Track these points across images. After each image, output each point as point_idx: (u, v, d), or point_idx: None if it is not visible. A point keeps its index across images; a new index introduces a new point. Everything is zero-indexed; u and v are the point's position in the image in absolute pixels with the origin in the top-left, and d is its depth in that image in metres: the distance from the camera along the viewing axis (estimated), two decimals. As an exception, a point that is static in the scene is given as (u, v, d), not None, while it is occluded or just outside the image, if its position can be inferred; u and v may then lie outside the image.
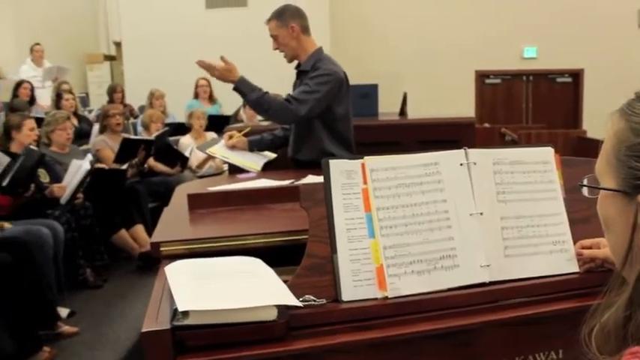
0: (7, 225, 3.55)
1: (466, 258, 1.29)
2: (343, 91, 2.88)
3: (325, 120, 2.87)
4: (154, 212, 5.07)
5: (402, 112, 4.19)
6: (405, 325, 1.22)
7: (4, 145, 4.11)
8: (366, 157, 1.32)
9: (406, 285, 1.25)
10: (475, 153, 1.38)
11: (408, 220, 1.29)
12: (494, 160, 1.39)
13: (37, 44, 7.81)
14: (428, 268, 1.27)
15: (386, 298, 1.25)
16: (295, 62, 2.99)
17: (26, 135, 4.13)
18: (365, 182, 1.30)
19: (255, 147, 3.02)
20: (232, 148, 2.97)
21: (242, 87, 2.79)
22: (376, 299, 1.25)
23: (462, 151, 1.38)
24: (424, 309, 1.25)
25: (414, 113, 4.28)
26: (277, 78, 8.15)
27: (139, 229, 4.62)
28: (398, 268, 1.25)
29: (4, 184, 3.71)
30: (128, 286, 4.21)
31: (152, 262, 4.43)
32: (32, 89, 6.92)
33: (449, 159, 1.37)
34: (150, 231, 4.72)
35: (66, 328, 3.44)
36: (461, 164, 1.37)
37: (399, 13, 9.54)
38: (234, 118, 6.57)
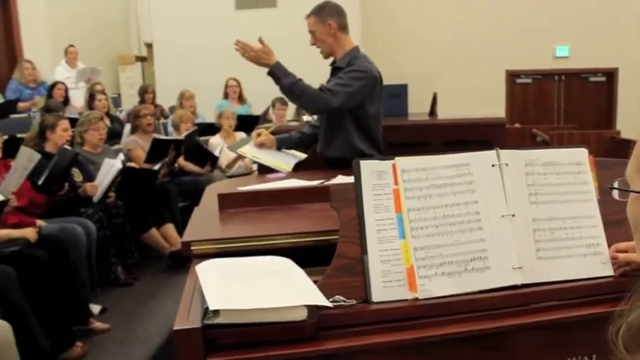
0: (42, 223, 3.62)
1: (497, 260, 1.28)
2: (377, 89, 2.89)
3: (357, 117, 2.88)
4: (184, 211, 5.12)
5: (432, 112, 4.16)
6: (435, 327, 1.21)
7: (39, 145, 4.19)
8: (397, 158, 1.31)
9: (437, 286, 1.24)
10: (507, 154, 1.37)
11: (438, 221, 1.28)
12: (526, 161, 1.38)
13: (71, 46, 7.95)
14: (459, 269, 1.26)
15: (416, 299, 1.24)
16: (330, 59, 3.00)
17: (60, 135, 4.21)
18: (396, 183, 1.30)
19: (283, 145, 3.04)
20: (261, 146, 2.98)
21: (277, 71, 2.81)
22: (406, 300, 1.24)
23: (493, 152, 1.37)
24: (454, 311, 1.24)
25: (444, 113, 4.24)
26: (306, 78, 8.19)
27: (170, 228, 4.67)
28: (428, 269, 1.25)
29: (39, 182, 3.79)
30: (158, 284, 4.26)
31: (182, 260, 4.48)
32: (66, 90, 7.06)
33: (480, 160, 1.35)
34: (180, 230, 4.77)
35: (98, 325, 3.49)
36: (493, 165, 1.35)
37: (430, 12, 9.48)
38: (264, 118, 6.61)
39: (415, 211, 1.28)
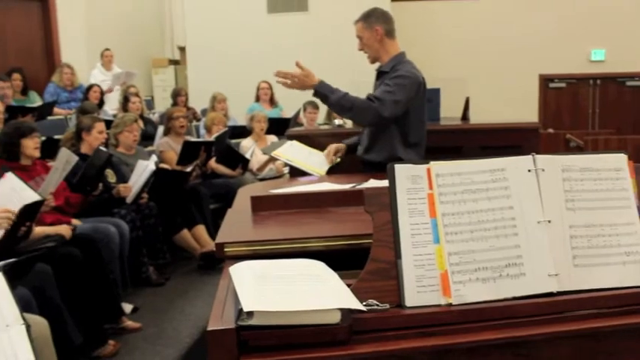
0: (77, 222, 3.69)
1: (533, 266, 1.27)
2: (420, 94, 2.92)
3: (400, 122, 2.90)
4: (215, 213, 5.17)
5: (464, 116, 4.14)
6: (468, 333, 1.20)
7: (75, 146, 4.27)
8: (431, 162, 1.31)
9: (471, 292, 1.23)
10: (543, 159, 1.35)
11: (473, 226, 1.27)
12: (563, 167, 1.36)
13: (107, 50, 8.10)
14: (493, 275, 1.25)
15: (450, 304, 1.23)
16: (376, 64, 3.07)
17: (95, 137, 4.28)
18: (430, 187, 1.29)
19: (352, 149, 3.11)
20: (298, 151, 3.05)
21: (323, 89, 2.84)
22: (440, 306, 1.24)
23: (529, 157, 1.35)
24: (488, 317, 1.23)
25: (476, 118, 4.22)
26: (338, 82, 8.18)
27: (201, 230, 4.71)
28: (463, 275, 1.24)
29: (74, 181, 3.87)
30: (189, 284, 4.30)
31: (212, 262, 4.53)
32: (102, 92, 7.20)
33: (516, 165, 1.34)
34: (211, 232, 4.81)
35: (129, 323, 3.53)
36: (529, 170, 1.34)
37: (462, 16, 9.42)
38: (294, 121, 6.63)
39: (450, 215, 1.27)
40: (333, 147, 3.09)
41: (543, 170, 1.34)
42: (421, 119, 2.97)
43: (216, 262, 4.52)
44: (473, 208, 1.29)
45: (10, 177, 2.99)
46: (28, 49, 8.51)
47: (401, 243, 1.26)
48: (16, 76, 7.00)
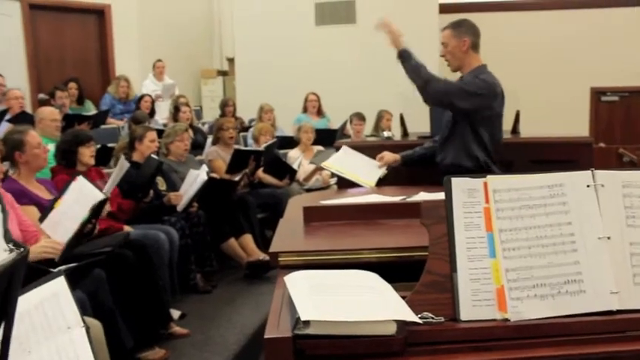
0: (129, 229, 3.78)
1: (593, 283, 1.25)
2: (498, 102, 2.99)
3: (478, 131, 2.97)
4: (262, 223, 5.22)
5: (515, 130, 4.08)
6: (525, 349, 1.19)
7: (128, 155, 4.38)
8: (488, 177, 1.30)
9: (529, 309, 1.22)
10: (603, 174, 1.33)
11: (531, 242, 1.26)
12: (623, 183, 1.34)
13: (159, 61, 8.31)
14: (552, 292, 1.23)
15: (506, 320, 1.22)
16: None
17: (147, 146, 4.38)
18: (487, 201, 1.29)
19: (407, 161, 3.19)
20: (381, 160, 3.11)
21: (406, 54, 3.05)
22: (495, 320, 1.23)
23: (588, 172, 1.33)
24: (546, 334, 1.22)
25: (527, 131, 4.15)
26: (383, 93, 8.19)
27: (248, 239, 4.75)
28: (520, 291, 1.23)
29: (126, 188, 3.97)
30: (236, 292, 4.34)
31: (259, 270, 4.57)
32: (152, 102, 7.38)
33: (574, 180, 1.33)
34: (258, 241, 4.86)
35: (177, 329, 3.58)
36: (587, 186, 1.32)
37: (513, 29, 9.30)
38: (341, 132, 6.66)
39: (507, 231, 1.27)
40: (389, 156, 3.13)
41: (603, 186, 1.32)
42: (500, 127, 3.05)
43: (262, 271, 4.56)
44: (530, 223, 1.28)
45: (80, 180, 3.13)
46: (85, 59, 8.82)
47: (457, 256, 1.26)
48: (73, 85, 7.25)
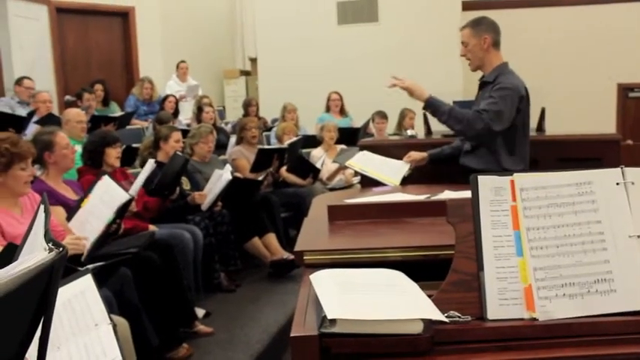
0: (154, 228, 3.82)
1: (623, 283, 1.23)
2: (523, 105, 2.92)
3: (504, 133, 2.92)
4: (286, 222, 5.24)
5: (540, 127, 4.03)
6: (553, 349, 1.18)
7: (152, 154, 4.43)
8: (515, 174, 1.29)
9: (557, 308, 1.21)
10: (633, 172, 1.31)
11: (559, 241, 1.25)
12: (654, 180, 1.31)
13: (183, 62, 8.39)
14: (581, 291, 1.22)
15: (533, 319, 1.21)
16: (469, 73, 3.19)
17: (172, 146, 4.42)
18: (514, 199, 1.27)
19: (434, 159, 3.16)
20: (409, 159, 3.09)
21: (434, 103, 2.95)
22: (523, 320, 1.22)
23: (617, 169, 1.31)
24: (575, 333, 1.20)
25: (552, 129, 4.10)
26: (406, 92, 8.15)
27: (271, 238, 4.77)
28: (549, 290, 1.21)
29: (152, 186, 4.02)
30: (259, 291, 4.36)
31: (282, 269, 4.59)
32: (176, 103, 7.45)
33: (603, 178, 1.30)
34: (281, 240, 4.87)
35: (202, 328, 3.60)
36: (617, 184, 1.30)
37: (537, 25, 9.19)
38: (364, 131, 6.65)
39: (534, 230, 1.25)
40: (416, 154, 3.11)
41: (633, 184, 1.30)
42: (525, 129, 2.99)
43: (286, 270, 4.58)
44: (558, 222, 1.26)
45: (105, 179, 3.17)
46: (110, 61, 8.94)
47: (483, 255, 1.25)
48: (99, 87, 7.34)
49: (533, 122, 4.12)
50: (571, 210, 1.27)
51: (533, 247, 1.24)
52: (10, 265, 0.75)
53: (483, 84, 3.04)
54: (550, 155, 3.29)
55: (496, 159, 2.91)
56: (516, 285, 1.23)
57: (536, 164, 3.16)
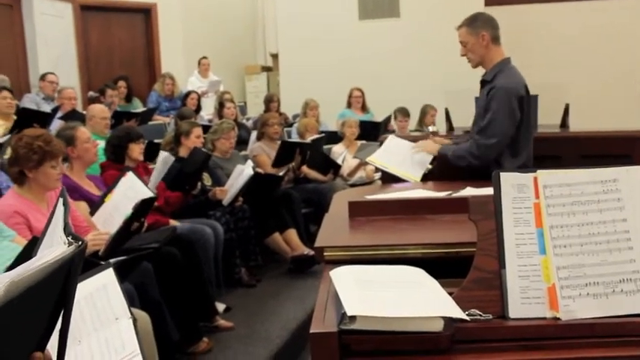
0: (176, 223, 3.85)
1: (650, 283, 1.20)
2: (524, 103, 2.85)
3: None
4: (306, 218, 5.24)
5: (563, 124, 3.98)
6: (576, 349, 1.16)
7: (174, 150, 4.46)
8: (538, 171, 1.27)
9: (581, 308, 1.19)
10: (661, 170, 1.28)
11: (583, 239, 1.22)
12: (682, 178, 1.28)
13: (204, 58, 8.42)
14: (606, 291, 1.19)
15: (556, 318, 1.19)
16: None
17: (193, 142, 4.45)
18: (537, 196, 1.25)
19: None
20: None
21: (443, 152, 2.96)
22: (545, 319, 1.20)
23: (644, 166, 1.29)
24: (598, 334, 1.18)
25: (576, 125, 4.05)
26: (428, 87, 8.10)
27: (292, 234, 4.77)
28: (572, 289, 1.19)
29: (173, 180, 4.04)
30: (280, 286, 4.37)
31: (303, 265, 4.59)
32: (198, 99, 7.49)
33: (630, 175, 1.28)
34: (302, 235, 4.88)
35: (222, 322, 3.62)
36: (644, 181, 1.27)
37: (559, 19, 9.07)
38: (384, 127, 6.63)
39: (558, 228, 1.23)
40: (437, 141, 3.09)
41: (660, 181, 1.27)
42: (527, 127, 2.91)
43: (306, 266, 4.58)
44: (583, 220, 1.24)
45: (130, 176, 3.20)
46: (132, 57, 9.03)
47: (505, 252, 1.23)
48: (122, 83, 7.42)
49: (557, 119, 4.09)
50: (596, 208, 1.25)
51: (557, 245, 1.22)
52: (31, 260, 0.76)
53: (483, 82, 2.96)
54: (574, 152, 3.25)
55: (497, 162, 2.83)
56: (539, 284, 1.21)
57: (558, 161, 3.12)
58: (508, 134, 2.79)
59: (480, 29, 2.88)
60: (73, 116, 5.33)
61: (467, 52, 2.93)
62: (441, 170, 2.97)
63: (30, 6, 7.67)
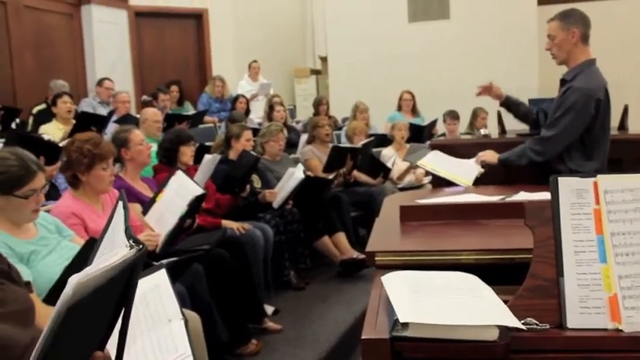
0: (227, 224, 3.89)
1: None
2: (602, 107, 2.78)
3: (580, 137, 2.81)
4: (356, 221, 5.22)
5: (622, 126, 3.85)
6: (639, 363, 1.11)
7: (224, 153, 4.51)
8: (599, 176, 1.23)
9: (645, 319, 1.14)
10: None
11: (647, 247, 1.17)
12: None
13: (255, 61, 8.52)
14: (671, 302, 1.14)
15: (618, 330, 1.15)
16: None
17: (243, 144, 4.49)
18: (597, 202, 1.21)
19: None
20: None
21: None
22: (606, 330, 1.16)
23: None
24: (664, 347, 1.13)
25: (636, 127, 3.91)
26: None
27: (341, 237, 4.76)
28: (636, 300, 1.15)
29: (222, 183, 4.10)
30: (328, 290, 4.36)
31: (352, 269, 4.57)
32: (247, 102, 7.58)
33: (697, 181, 1.22)
34: (351, 239, 4.85)
35: (271, 325, 3.64)
36: None
37: (616, 17, 8.78)
38: (429, 131, 6.56)
39: (620, 235, 1.19)
40: (486, 155, 3.04)
41: None
42: (603, 130, 2.83)
43: (355, 270, 4.56)
44: (646, 227, 1.19)
45: (179, 174, 3.26)
46: (184, 62, 9.21)
47: (563, 260, 1.19)
48: (174, 87, 7.58)
49: (616, 121, 3.94)
50: (660, 215, 1.20)
51: (618, 253, 1.18)
52: (95, 262, 0.77)
53: (563, 81, 2.90)
54: (634, 155, 3.13)
55: (567, 166, 2.77)
56: (599, 293, 1.17)
57: (618, 164, 3.01)
58: (571, 132, 2.73)
59: (571, 25, 2.82)
60: (127, 120, 5.46)
61: (552, 47, 2.87)
62: (493, 175, 2.91)
63: (89, 15, 7.94)
